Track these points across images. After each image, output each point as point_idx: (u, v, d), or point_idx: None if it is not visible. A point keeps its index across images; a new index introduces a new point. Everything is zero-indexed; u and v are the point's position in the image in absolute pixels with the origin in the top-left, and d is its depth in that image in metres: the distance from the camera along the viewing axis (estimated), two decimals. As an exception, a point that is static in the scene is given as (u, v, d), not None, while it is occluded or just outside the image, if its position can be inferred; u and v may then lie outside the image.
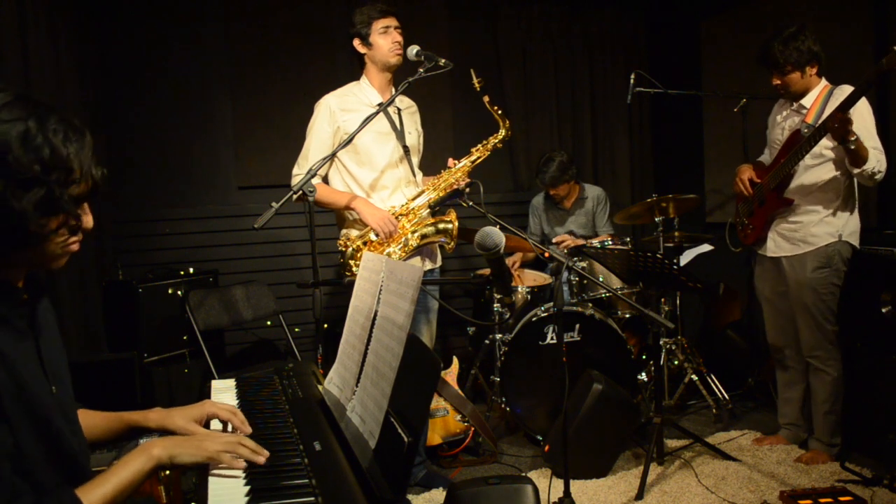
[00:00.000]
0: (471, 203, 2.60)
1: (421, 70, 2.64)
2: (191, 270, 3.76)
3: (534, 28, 4.75)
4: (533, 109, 4.80)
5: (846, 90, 2.58)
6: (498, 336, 3.57)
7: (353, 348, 1.54)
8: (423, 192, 2.79)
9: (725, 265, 4.01)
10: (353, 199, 2.72)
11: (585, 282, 3.62)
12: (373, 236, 2.71)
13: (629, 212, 3.82)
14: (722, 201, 4.52)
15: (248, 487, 1.18)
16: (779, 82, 2.85)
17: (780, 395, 3.22)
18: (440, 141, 4.27)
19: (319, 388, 1.74)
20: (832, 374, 2.89)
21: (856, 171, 2.65)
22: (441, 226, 2.75)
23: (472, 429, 3.20)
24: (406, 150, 2.83)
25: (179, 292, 3.54)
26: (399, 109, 2.87)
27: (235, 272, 4.07)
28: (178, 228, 4.10)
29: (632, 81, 3.65)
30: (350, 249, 2.74)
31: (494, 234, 1.98)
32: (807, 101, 2.84)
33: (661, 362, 3.24)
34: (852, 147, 2.54)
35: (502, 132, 2.82)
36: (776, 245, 3.00)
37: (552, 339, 3.28)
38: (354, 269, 2.69)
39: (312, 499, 1.14)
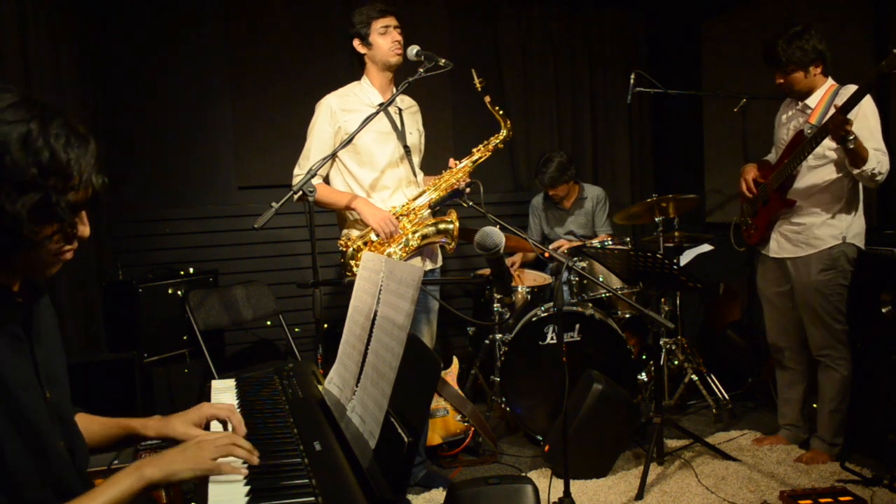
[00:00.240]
0: (471, 203, 2.60)
1: (421, 70, 2.64)
2: (191, 270, 3.76)
3: (534, 28, 4.75)
4: (533, 109, 4.80)
5: (852, 90, 2.55)
6: (498, 336, 3.57)
7: (353, 348, 1.54)
8: (423, 192, 2.79)
9: (725, 265, 4.01)
10: (353, 200, 2.71)
11: (585, 282, 3.62)
12: (373, 237, 2.71)
13: (629, 212, 3.82)
14: (722, 201, 4.51)
15: (248, 487, 1.18)
16: (782, 81, 2.84)
17: (780, 396, 3.21)
18: (440, 141, 4.27)
19: (319, 388, 1.74)
20: (842, 372, 2.88)
21: (856, 171, 2.65)
22: (442, 226, 2.74)
23: (472, 429, 3.20)
24: (407, 149, 2.83)
25: (179, 292, 3.54)
26: (400, 109, 2.87)
27: (235, 272, 4.07)
28: (178, 228, 4.10)
29: (632, 81, 3.65)
30: (351, 249, 2.74)
31: (494, 234, 1.98)
32: (811, 100, 2.83)
33: (661, 362, 3.24)
34: (851, 147, 2.53)
35: (504, 132, 2.82)
36: (779, 246, 2.99)
37: (552, 339, 3.28)
38: (355, 269, 2.69)
39: (312, 499, 1.13)
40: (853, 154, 2.58)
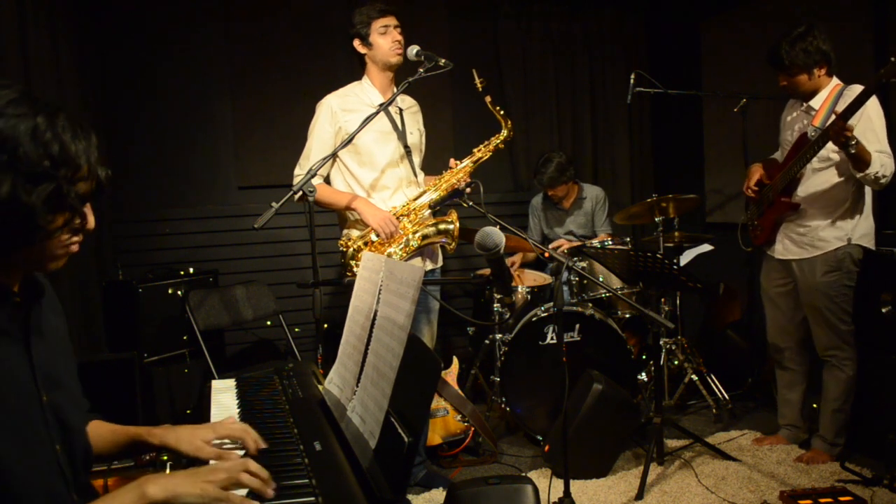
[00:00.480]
0: (471, 203, 2.60)
1: (421, 70, 2.64)
2: (191, 270, 3.76)
3: (534, 28, 4.75)
4: (533, 109, 4.80)
5: (856, 90, 2.53)
6: (498, 336, 3.57)
7: (354, 348, 1.54)
8: (424, 192, 2.79)
9: (725, 265, 4.01)
10: (353, 200, 2.71)
11: (585, 282, 3.62)
12: (374, 237, 2.71)
13: (629, 212, 3.82)
14: (722, 201, 4.51)
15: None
16: (786, 83, 2.83)
17: (780, 396, 3.21)
18: (440, 141, 4.26)
19: (319, 388, 1.74)
20: (848, 373, 2.88)
21: (859, 174, 2.63)
22: (442, 226, 2.74)
23: (472, 429, 3.20)
24: (407, 149, 2.83)
25: (179, 292, 3.54)
26: (401, 109, 2.87)
27: (235, 272, 4.07)
28: (178, 228, 4.10)
29: (632, 81, 3.65)
30: (351, 250, 2.73)
31: (494, 234, 1.98)
32: (815, 102, 2.82)
33: (661, 362, 3.24)
34: (853, 151, 2.52)
35: (504, 132, 2.82)
36: (784, 248, 2.99)
37: (552, 339, 3.28)
38: (355, 269, 2.69)
39: (312, 499, 1.13)
40: (855, 158, 2.57)
